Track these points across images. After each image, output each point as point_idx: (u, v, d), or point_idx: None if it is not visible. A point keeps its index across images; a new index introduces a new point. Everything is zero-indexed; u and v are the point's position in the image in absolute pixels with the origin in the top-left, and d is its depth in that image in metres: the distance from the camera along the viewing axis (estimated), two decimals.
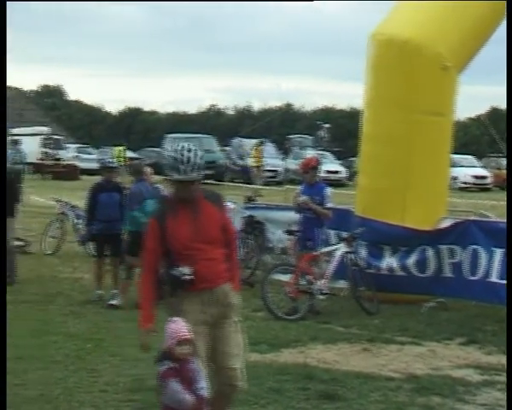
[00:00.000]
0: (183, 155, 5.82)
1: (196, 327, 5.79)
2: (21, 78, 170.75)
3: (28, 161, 43.88)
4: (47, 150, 49.33)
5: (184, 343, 5.53)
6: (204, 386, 5.59)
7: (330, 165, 43.61)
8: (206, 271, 5.87)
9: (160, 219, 6.02)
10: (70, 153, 52.98)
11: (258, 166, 40.19)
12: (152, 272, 6.05)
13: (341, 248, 12.41)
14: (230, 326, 6.06)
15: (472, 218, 13.17)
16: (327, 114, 73.57)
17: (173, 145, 5.89)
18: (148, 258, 6.10)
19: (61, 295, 13.11)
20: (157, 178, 15.50)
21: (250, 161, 41.09)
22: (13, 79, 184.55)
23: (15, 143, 32.77)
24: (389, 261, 12.82)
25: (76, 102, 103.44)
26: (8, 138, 34.49)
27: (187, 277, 5.84)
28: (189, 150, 5.85)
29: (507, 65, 6.76)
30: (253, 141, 48.13)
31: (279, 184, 35.82)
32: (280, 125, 69.99)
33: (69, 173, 43.65)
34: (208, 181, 32.64)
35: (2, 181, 5.16)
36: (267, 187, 26.18)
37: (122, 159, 35.75)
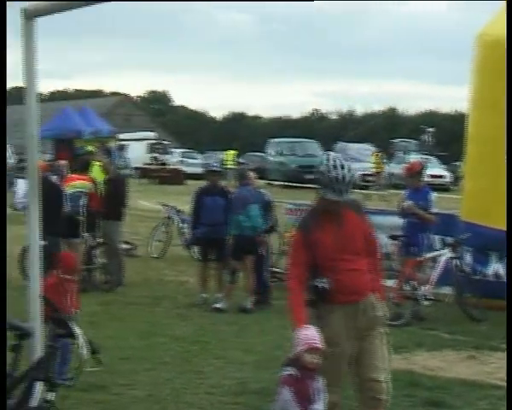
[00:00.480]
0: (338, 174, 5.67)
1: (337, 343, 5.68)
2: (130, 84, 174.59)
3: (135, 165, 44.89)
4: (156, 155, 50.22)
5: (314, 352, 5.40)
6: None
7: (435, 169, 42.95)
8: (350, 282, 5.73)
9: (305, 230, 5.89)
10: (175, 158, 53.82)
11: (378, 172, 40.13)
12: (301, 283, 5.83)
13: (446, 254, 12.24)
14: (376, 338, 5.91)
15: None
16: (431, 118, 72.55)
17: (325, 160, 5.70)
18: (296, 271, 5.89)
19: (167, 298, 13.33)
20: (261, 182, 15.62)
21: (368, 167, 41.03)
22: (121, 85, 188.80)
23: (121, 149, 33.52)
24: (495, 267, 12.58)
25: (181, 107, 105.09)
26: (116, 143, 35.41)
27: (328, 288, 5.72)
28: (343, 167, 5.70)
29: (507, 65, 6.62)
30: (356, 145, 47.96)
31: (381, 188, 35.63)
32: (383, 129, 69.45)
33: (174, 178, 44.27)
34: (311, 186, 32.80)
35: (2, 181, 5.34)
36: (371, 192, 26.00)
37: (233, 163, 36.15)
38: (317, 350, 5.39)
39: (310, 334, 5.44)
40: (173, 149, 56.89)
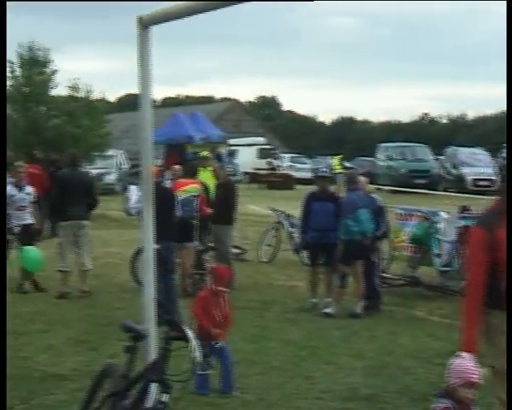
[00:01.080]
0: None
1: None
2: (240, 89, 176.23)
3: (244, 170, 45.23)
4: (270, 160, 50.46)
5: (471, 387, 5.07)
6: None
7: None
8: None
9: (488, 229, 5.54)
10: (284, 162, 54.01)
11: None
12: (479, 288, 5.51)
13: None
14: None
15: None
16: None
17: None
18: (476, 271, 5.55)
19: (277, 303, 13.37)
20: (371, 187, 15.49)
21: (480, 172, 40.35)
22: (231, 91, 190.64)
23: (231, 154, 33.84)
24: None
25: (290, 112, 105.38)
26: (226, 149, 35.75)
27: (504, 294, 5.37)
28: None
29: (507, 65, 6.49)
30: (467, 150, 46.99)
31: (496, 193, 34.76)
32: (495, 133, 67.91)
33: (284, 183, 44.39)
34: (422, 190, 32.35)
35: (2, 181, 5.38)
36: (484, 196, 25.44)
37: (340, 168, 35.96)
38: (474, 385, 5.08)
39: (468, 366, 5.11)
40: (283, 154, 57.09)
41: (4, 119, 5.34)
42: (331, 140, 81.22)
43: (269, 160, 50.34)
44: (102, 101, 32.61)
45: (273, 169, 49.26)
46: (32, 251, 12.82)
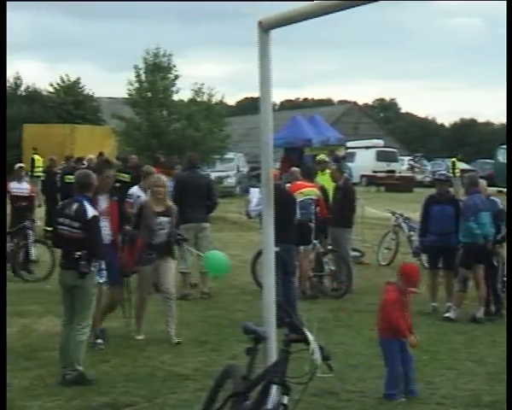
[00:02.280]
0: None
1: None
2: (357, 92, 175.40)
3: (363, 173, 44.95)
4: (391, 163, 49.88)
5: None
6: None
7: None
8: None
9: None
10: (404, 165, 53.39)
11: None
12: None
13: None
14: None
15: None
16: None
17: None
18: None
19: None
20: (492, 190, 15.15)
21: None
22: (349, 94, 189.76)
23: (343, 158, 33.65)
24: None
25: (409, 114, 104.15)
26: (345, 151, 35.62)
27: None
28: None
29: (507, 65, 6.07)
30: None
31: None
32: None
33: (403, 185, 43.88)
34: None
35: (2, 182, 5.41)
36: None
37: (456, 170, 35.35)
38: None
39: None
40: (402, 157, 56.48)
41: (4, 119, 5.48)
42: (451, 143, 79.79)
43: (388, 162, 49.72)
44: (222, 104, 33.04)
45: (392, 172, 48.73)
46: (217, 254, 11.97)
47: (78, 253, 8.61)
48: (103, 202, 10.02)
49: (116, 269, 10.07)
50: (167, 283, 10.74)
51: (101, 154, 24.81)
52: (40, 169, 33.40)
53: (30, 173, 31.31)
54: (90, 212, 8.75)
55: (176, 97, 31.50)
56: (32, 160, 32.73)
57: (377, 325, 8.58)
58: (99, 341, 10.15)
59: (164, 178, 11.34)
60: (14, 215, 15.64)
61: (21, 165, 16.61)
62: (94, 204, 9.09)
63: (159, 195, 10.77)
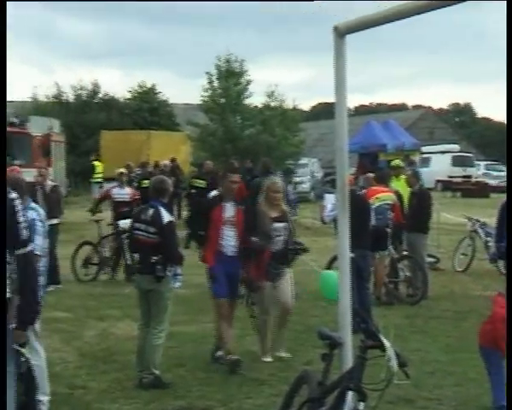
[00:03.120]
0: None
1: None
2: (432, 96, 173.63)
3: (438, 178, 44.40)
4: (467, 168, 49.09)
5: None
6: None
7: None
8: None
9: None
10: (480, 170, 52.59)
11: None
12: None
13: None
14: None
15: None
16: None
17: None
18: None
19: (473, 313, 13.02)
20: None
21: None
22: (424, 98, 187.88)
23: (412, 163, 33.30)
24: None
25: (485, 119, 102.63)
26: (420, 156, 35.27)
27: None
28: None
29: (507, 65, 5.86)
30: None
31: None
32: None
33: (479, 191, 43.24)
34: None
35: (2, 182, 5.36)
36: None
37: None
38: None
39: None
40: (478, 162, 55.64)
41: (4, 119, 5.52)
42: None
43: (464, 168, 48.95)
44: (296, 110, 33.07)
45: (468, 177, 48.02)
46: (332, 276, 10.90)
47: (155, 257, 8.73)
48: (229, 209, 9.73)
49: (238, 282, 9.73)
50: (286, 295, 10.11)
51: (173, 160, 25.09)
52: (99, 175, 33.99)
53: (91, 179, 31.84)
54: (166, 217, 8.87)
55: (248, 103, 31.67)
56: (93, 166, 33.28)
57: (481, 335, 8.12)
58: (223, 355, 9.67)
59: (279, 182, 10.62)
60: (116, 221, 15.64)
61: (122, 170, 16.45)
62: (170, 210, 9.23)
63: (275, 200, 10.05)
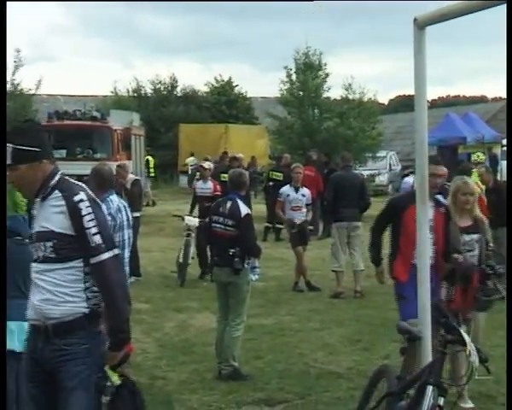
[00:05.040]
0: None
1: None
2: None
3: None
4: None
5: None
6: None
7: None
8: None
9: None
10: None
11: None
12: None
13: None
14: None
15: None
16: None
17: None
18: None
19: None
20: None
21: None
22: (504, 90, 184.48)
23: (503, 154, 32.69)
24: None
25: None
26: (501, 149, 34.64)
27: None
28: None
29: (507, 65, 5.54)
30: None
31: None
32: None
33: None
34: None
35: (2, 182, 5.26)
36: None
37: None
38: None
39: None
40: None
41: (4, 119, 5.45)
42: None
43: None
44: (374, 102, 32.82)
45: None
46: None
47: (232, 250, 8.79)
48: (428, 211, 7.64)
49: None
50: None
51: (225, 153, 25.12)
52: (152, 170, 34.29)
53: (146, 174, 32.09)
54: (244, 210, 8.91)
55: (326, 96, 31.57)
56: (147, 161, 33.59)
57: None
58: None
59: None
60: (200, 215, 15.53)
61: (205, 165, 16.17)
62: (248, 202, 9.20)
63: (466, 205, 7.96)
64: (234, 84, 52.14)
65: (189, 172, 35.25)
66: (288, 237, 15.07)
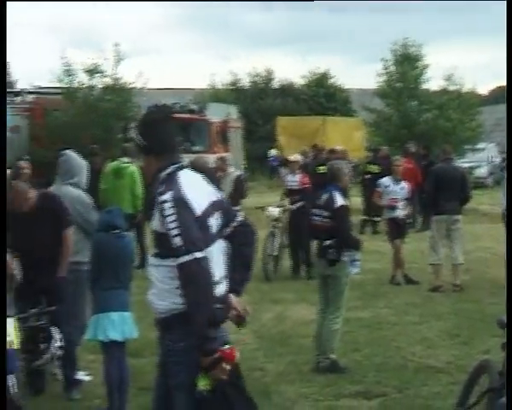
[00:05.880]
0: None
1: None
2: None
3: None
4: None
5: None
6: None
7: None
8: None
9: None
10: None
11: None
12: None
13: None
14: None
15: None
16: None
17: None
18: None
19: None
20: None
21: None
22: None
23: None
24: None
25: None
26: None
27: None
28: None
29: (507, 65, 5.11)
30: None
31: None
32: None
33: None
34: None
35: (3, 180, 5.09)
36: None
37: None
38: None
39: None
40: None
41: (4, 118, 5.39)
42: None
43: None
44: (473, 93, 32.24)
45: None
46: None
47: (328, 241, 8.80)
48: None
49: None
50: None
51: (315, 146, 25.00)
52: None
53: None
54: (339, 201, 8.89)
55: (426, 87, 31.18)
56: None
57: None
58: None
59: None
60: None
61: (291, 158, 15.95)
62: (346, 194, 9.13)
63: None
64: (330, 76, 51.93)
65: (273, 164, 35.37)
66: (386, 230, 14.97)
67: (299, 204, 14.49)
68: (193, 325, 4.38)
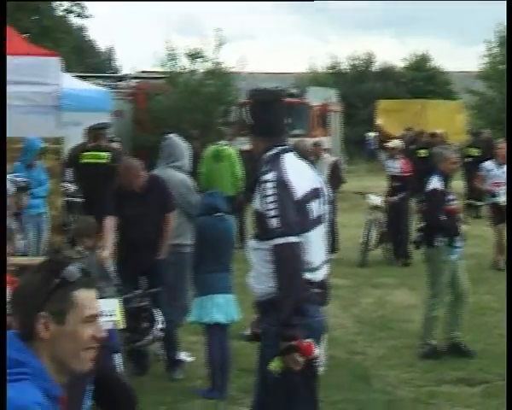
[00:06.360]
0: None
1: None
2: None
3: None
4: None
5: None
6: None
7: None
8: None
9: None
10: None
11: None
12: None
13: None
14: None
15: None
16: None
17: None
18: None
19: None
20: None
21: None
22: None
23: None
24: None
25: None
26: None
27: None
28: None
29: (507, 65, 4.52)
30: None
31: None
32: None
33: None
34: None
35: (2, 181, 4.91)
36: None
37: None
38: None
39: None
40: None
41: (4, 118, 5.31)
42: None
43: None
44: None
45: None
46: None
47: (419, 225, 8.75)
48: None
49: None
50: None
51: (408, 129, 24.60)
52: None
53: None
54: (432, 185, 8.65)
55: None
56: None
57: None
58: None
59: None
60: (390, 194, 14.86)
61: (391, 144, 15.45)
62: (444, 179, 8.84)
63: None
64: (429, 59, 51.12)
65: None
66: (488, 215, 14.69)
67: (401, 195, 14.39)
68: (279, 309, 4.32)
